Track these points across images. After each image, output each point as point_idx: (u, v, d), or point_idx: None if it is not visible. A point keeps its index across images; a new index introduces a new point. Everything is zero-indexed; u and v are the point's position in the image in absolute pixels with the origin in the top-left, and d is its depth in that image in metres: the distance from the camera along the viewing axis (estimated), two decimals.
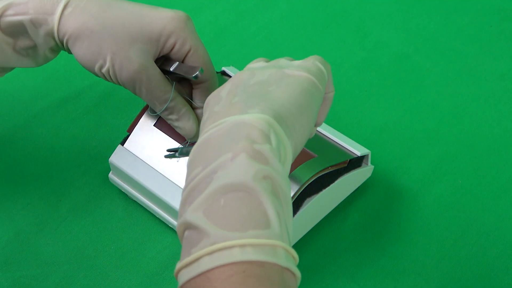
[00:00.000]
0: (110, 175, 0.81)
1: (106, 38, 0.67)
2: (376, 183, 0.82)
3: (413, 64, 0.94)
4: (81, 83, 0.90)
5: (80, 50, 0.68)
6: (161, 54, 0.71)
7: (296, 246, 0.76)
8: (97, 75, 0.70)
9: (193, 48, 0.70)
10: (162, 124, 0.77)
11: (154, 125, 0.78)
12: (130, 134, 0.79)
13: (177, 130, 0.73)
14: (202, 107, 0.72)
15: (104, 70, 0.69)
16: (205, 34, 0.97)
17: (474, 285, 0.75)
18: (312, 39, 0.96)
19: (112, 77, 0.69)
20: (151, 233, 0.78)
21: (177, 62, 0.70)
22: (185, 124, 0.72)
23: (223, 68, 0.85)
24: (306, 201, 0.74)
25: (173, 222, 0.77)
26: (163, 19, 0.68)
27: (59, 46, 0.71)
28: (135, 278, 0.75)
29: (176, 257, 0.77)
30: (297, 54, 0.95)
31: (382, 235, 0.79)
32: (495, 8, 0.99)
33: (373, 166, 0.81)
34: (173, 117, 0.72)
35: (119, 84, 0.70)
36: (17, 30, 0.69)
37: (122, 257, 0.77)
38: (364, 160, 0.80)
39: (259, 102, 0.57)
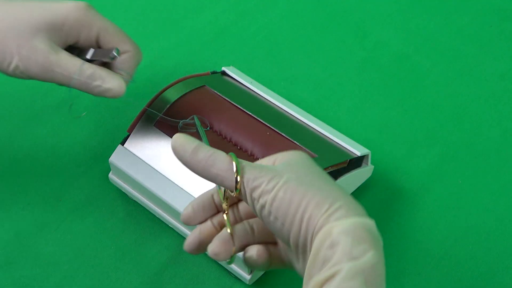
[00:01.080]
0: (110, 175, 0.81)
1: (9, 33, 0.67)
2: (376, 183, 0.82)
3: (413, 64, 0.94)
4: None
5: None
6: (69, 43, 0.70)
7: None
8: (9, 75, 0.69)
9: (102, 30, 0.70)
10: (162, 124, 0.77)
11: (154, 125, 0.78)
12: (130, 134, 0.79)
13: (107, 95, 0.70)
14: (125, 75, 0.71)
15: (12, 66, 0.68)
16: (205, 34, 0.97)
17: (474, 285, 0.75)
18: (312, 39, 0.96)
19: (24, 71, 0.68)
20: (151, 233, 0.78)
21: (92, 49, 0.70)
22: (112, 83, 0.70)
23: (223, 68, 0.85)
24: None
25: (173, 222, 0.77)
26: (64, 9, 0.69)
27: None
28: (135, 278, 0.75)
29: (176, 257, 0.77)
30: (297, 54, 0.95)
31: (382, 235, 0.78)
32: (495, 8, 0.99)
33: (373, 166, 0.81)
34: (97, 82, 0.70)
35: (33, 78, 0.69)
36: None
37: (122, 257, 0.77)
38: (364, 160, 0.80)
39: None
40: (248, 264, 0.61)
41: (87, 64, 0.69)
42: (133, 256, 0.77)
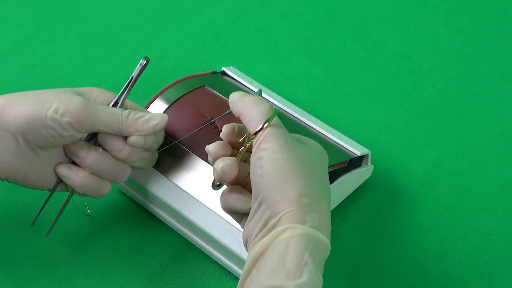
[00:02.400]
0: None
1: (40, 94, 0.70)
2: (376, 183, 0.82)
3: (413, 64, 0.94)
4: (81, 83, 0.90)
5: (19, 109, 0.68)
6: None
7: None
8: (47, 134, 0.69)
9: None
10: None
11: None
12: None
13: (158, 128, 0.71)
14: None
15: (52, 111, 0.68)
16: (205, 34, 0.97)
17: (474, 285, 0.75)
18: (312, 39, 0.97)
19: (64, 115, 0.68)
20: (151, 233, 0.78)
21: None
22: (157, 117, 0.71)
23: (223, 68, 0.85)
24: None
25: (173, 222, 0.77)
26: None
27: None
28: (135, 278, 0.75)
29: (176, 257, 0.77)
30: (297, 54, 0.95)
31: (382, 235, 0.79)
32: (495, 8, 0.99)
33: (373, 166, 0.81)
34: (137, 115, 0.71)
35: (74, 132, 0.69)
36: None
37: (122, 257, 0.77)
38: (364, 160, 0.80)
39: None
40: (216, 173, 0.64)
41: (132, 111, 0.71)
42: (133, 256, 0.77)
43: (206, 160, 0.75)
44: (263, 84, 0.85)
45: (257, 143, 0.62)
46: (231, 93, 0.65)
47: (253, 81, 0.84)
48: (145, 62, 0.73)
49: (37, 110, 0.68)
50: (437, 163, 0.84)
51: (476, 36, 0.96)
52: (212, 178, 0.68)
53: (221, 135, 0.66)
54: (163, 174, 0.76)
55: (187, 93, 0.79)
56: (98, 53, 0.95)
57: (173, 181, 0.75)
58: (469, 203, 0.81)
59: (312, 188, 0.60)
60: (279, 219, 0.59)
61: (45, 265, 0.76)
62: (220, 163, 0.63)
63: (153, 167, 0.76)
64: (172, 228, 0.78)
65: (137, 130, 0.70)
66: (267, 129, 0.62)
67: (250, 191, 0.64)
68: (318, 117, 0.83)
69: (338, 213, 0.80)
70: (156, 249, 0.77)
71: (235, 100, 0.65)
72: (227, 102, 0.79)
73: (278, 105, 0.82)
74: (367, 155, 0.79)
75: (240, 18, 0.99)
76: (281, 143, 0.61)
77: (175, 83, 0.80)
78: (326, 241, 0.59)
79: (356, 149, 0.78)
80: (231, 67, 0.86)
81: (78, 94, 0.71)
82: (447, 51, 0.95)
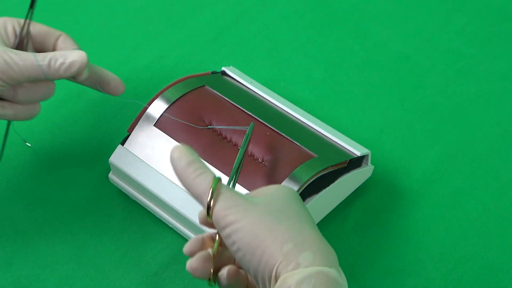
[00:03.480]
0: (110, 175, 0.81)
1: None
2: (376, 183, 0.82)
3: (413, 64, 0.94)
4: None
5: None
6: (13, 43, 0.73)
7: None
8: None
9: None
10: (162, 124, 0.77)
11: (154, 125, 0.78)
12: (130, 134, 0.79)
13: (74, 69, 0.71)
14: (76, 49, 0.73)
15: None
16: (205, 34, 0.97)
17: (474, 285, 0.75)
18: (312, 39, 0.96)
19: None
20: (151, 233, 0.78)
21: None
22: (74, 55, 0.71)
23: (223, 68, 0.85)
24: (306, 201, 0.74)
25: (173, 222, 0.77)
26: None
27: None
28: (135, 278, 0.75)
29: (176, 257, 0.77)
30: (297, 54, 0.95)
31: (382, 235, 0.79)
32: (495, 8, 0.99)
33: (373, 166, 0.81)
34: (61, 60, 0.71)
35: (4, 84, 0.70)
36: None
37: (122, 257, 0.77)
38: (364, 160, 0.80)
39: None
40: (220, 283, 0.62)
41: (43, 53, 0.71)
42: (133, 256, 0.77)
43: (206, 160, 0.75)
44: (263, 84, 0.85)
45: (216, 221, 0.58)
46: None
47: (253, 81, 0.84)
48: None
49: None
50: (437, 163, 0.84)
51: (476, 36, 0.96)
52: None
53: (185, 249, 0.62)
54: (162, 173, 0.76)
55: (187, 93, 0.79)
56: (98, 53, 0.95)
57: (173, 180, 0.75)
58: (469, 203, 0.81)
59: (290, 230, 0.58)
60: (275, 276, 0.57)
61: (45, 265, 0.76)
62: (189, 262, 0.61)
63: (155, 167, 0.76)
64: (172, 228, 0.78)
65: (61, 77, 0.71)
66: (216, 205, 0.57)
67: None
68: (318, 117, 0.83)
69: (338, 213, 0.80)
70: (156, 249, 0.77)
71: (179, 172, 0.59)
72: (227, 102, 0.79)
73: (278, 105, 0.82)
74: (367, 155, 0.79)
75: (240, 18, 0.99)
76: (236, 210, 0.57)
77: (175, 83, 0.80)
78: (330, 270, 0.57)
79: (356, 149, 0.78)
80: (231, 67, 0.86)
81: None
82: (447, 51, 0.95)
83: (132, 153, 0.78)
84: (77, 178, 0.82)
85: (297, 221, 0.59)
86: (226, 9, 1.00)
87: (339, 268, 0.58)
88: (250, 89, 0.83)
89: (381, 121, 0.88)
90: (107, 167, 0.81)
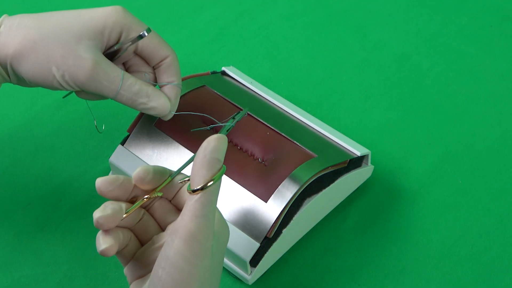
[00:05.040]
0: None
1: (51, 44, 0.66)
2: (376, 183, 0.82)
3: (413, 64, 0.94)
4: None
5: (28, 66, 0.67)
6: (108, 47, 0.70)
7: (296, 246, 0.76)
8: (53, 88, 0.69)
9: (140, 33, 0.69)
10: (162, 124, 0.77)
11: (154, 125, 0.78)
12: (130, 134, 0.79)
13: (152, 112, 0.71)
14: (170, 83, 0.72)
15: (58, 77, 0.67)
16: (205, 34, 0.97)
17: (474, 285, 0.75)
18: (312, 39, 0.97)
19: (69, 81, 0.68)
20: None
21: (120, 42, 0.70)
22: (157, 102, 0.70)
23: (223, 68, 0.85)
24: (306, 201, 0.74)
25: None
26: (103, 13, 0.68)
27: (3, 75, 0.70)
28: None
29: None
30: (297, 54, 0.95)
31: (382, 235, 0.79)
32: (495, 8, 0.99)
33: (373, 166, 0.81)
34: (143, 100, 0.70)
35: (78, 89, 0.69)
36: None
37: None
38: (364, 160, 0.80)
39: None
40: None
41: (133, 79, 0.69)
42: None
43: None
44: (263, 84, 0.85)
45: (194, 199, 0.57)
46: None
47: (253, 81, 0.84)
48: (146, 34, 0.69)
49: (45, 74, 0.67)
50: (437, 163, 0.84)
51: (476, 36, 0.96)
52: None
53: (133, 175, 0.61)
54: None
55: (187, 93, 0.79)
56: None
57: None
58: (469, 203, 0.81)
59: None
60: None
61: (45, 265, 0.76)
62: (98, 213, 0.59)
63: (153, 166, 0.76)
64: None
65: (132, 106, 0.70)
66: (209, 190, 0.57)
67: (138, 236, 0.62)
68: (318, 117, 0.83)
69: (338, 213, 0.80)
70: None
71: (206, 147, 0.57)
72: (227, 102, 0.79)
73: (278, 105, 0.82)
74: (367, 155, 0.79)
75: (240, 18, 0.99)
76: (209, 212, 0.58)
77: None
78: None
79: (356, 149, 0.78)
80: (231, 67, 0.86)
81: (93, 36, 0.67)
82: (447, 51, 0.95)
83: (132, 153, 0.78)
84: (77, 178, 0.82)
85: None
86: (226, 9, 1.00)
87: None
88: (250, 89, 0.83)
89: (381, 121, 0.88)
90: (107, 167, 0.81)
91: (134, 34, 0.69)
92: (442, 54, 0.95)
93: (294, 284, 0.75)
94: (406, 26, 0.98)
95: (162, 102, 0.71)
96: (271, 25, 0.98)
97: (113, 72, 0.68)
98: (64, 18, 0.68)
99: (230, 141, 0.76)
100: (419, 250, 0.77)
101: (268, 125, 0.77)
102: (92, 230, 0.79)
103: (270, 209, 0.71)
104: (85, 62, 0.67)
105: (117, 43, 0.69)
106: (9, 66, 0.68)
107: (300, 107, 0.83)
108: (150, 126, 0.78)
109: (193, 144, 0.76)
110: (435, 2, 1.00)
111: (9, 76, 0.70)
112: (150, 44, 0.71)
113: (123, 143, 0.79)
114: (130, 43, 0.69)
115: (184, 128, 0.77)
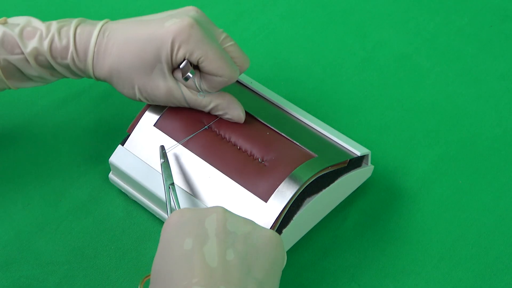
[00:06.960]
0: (110, 175, 0.81)
1: (132, 74, 0.75)
2: (376, 183, 0.82)
3: (413, 64, 0.94)
4: (81, 83, 0.90)
5: (118, 87, 0.76)
6: (176, 65, 0.75)
7: (296, 246, 0.76)
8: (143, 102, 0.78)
9: (202, 56, 0.73)
10: (162, 124, 0.78)
11: (154, 125, 0.78)
12: (130, 134, 0.79)
13: (226, 118, 0.77)
14: (211, 92, 0.76)
15: (142, 98, 0.76)
16: None
17: (474, 285, 0.75)
18: (312, 39, 0.97)
19: (151, 102, 0.77)
20: (151, 233, 0.78)
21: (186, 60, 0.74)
22: (233, 114, 0.76)
23: None
24: (306, 201, 0.74)
25: None
26: (170, 34, 0.73)
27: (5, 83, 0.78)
28: (135, 278, 0.75)
29: None
30: (297, 54, 0.95)
31: (382, 235, 0.79)
32: (495, 8, 0.99)
33: (373, 166, 0.81)
34: (219, 112, 0.77)
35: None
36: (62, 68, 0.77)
37: (122, 257, 0.77)
38: (364, 160, 0.80)
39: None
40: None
41: (207, 99, 0.76)
42: (133, 256, 0.77)
43: (205, 160, 0.75)
44: (263, 84, 0.85)
45: None
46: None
47: (253, 81, 0.84)
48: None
49: (131, 94, 0.76)
50: (437, 163, 0.84)
51: (476, 36, 0.96)
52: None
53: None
54: (160, 172, 0.76)
55: None
56: None
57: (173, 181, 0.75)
58: (469, 203, 0.81)
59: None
60: None
61: (45, 265, 0.76)
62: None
63: (155, 167, 0.76)
64: None
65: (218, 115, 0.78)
66: None
67: None
68: (318, 117, 0.83)
69: (338, 213, 0.80)
70: (156, 249, 0.77)
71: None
72: None
73: (278, 105, 0.82)
74: (367, 155, 0.79)
75: (240, 18, 0.99)
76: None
77: None
78: None
79: (356, 149, 0.78)
80: None
81: (164, 59, 0.74)
82: (447, 51, 0.95)
83: (132, 153, 0.78)
84: (77, 178, 0.82)
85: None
86: (226, 9, 1.00)
87: None
88: (250, 89, 0.83)
89: (381, 121, 0.88)
90: (107, 167, 0.81)
91: (196, 57, 0.74)
92: (442, 54, 0.95)
93: (294, 284, 0.75)
94: (406, 26, 0.98)
95: (237, 114, 0.77)
96: (271, 25, 0.98)
97: (185, 95, 0.76)
98: (139, 43, 0.74)
99: (229, 141, 0.76)
100: (419, 250, 0.77)
101: (268, 125, 0.77)
102: (92, 230, 0.79)
103: (270, 209, 0.71)
104: (160, 90, 0.75)
105: (183, 60, 0.75)
106: (103, 80, 0.77)
107: (300, 107, 0.83)
108: (150, 126, 0.78)
109: (193, 144, 0.76)
110: (435, 2, 1.00)
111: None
112: (212, 69, 0.75)
113: (123, 143, 0.79)
114: (184, 80, 0.75)
115: (184, 128, 0.77)
